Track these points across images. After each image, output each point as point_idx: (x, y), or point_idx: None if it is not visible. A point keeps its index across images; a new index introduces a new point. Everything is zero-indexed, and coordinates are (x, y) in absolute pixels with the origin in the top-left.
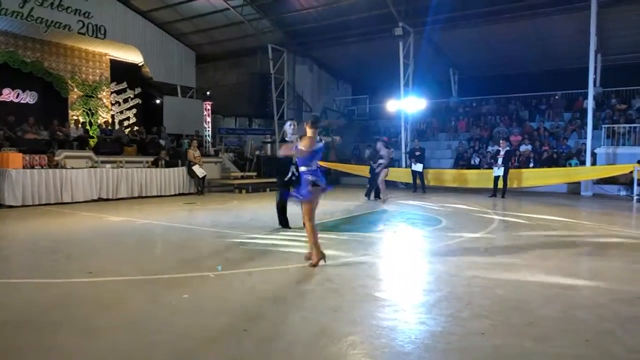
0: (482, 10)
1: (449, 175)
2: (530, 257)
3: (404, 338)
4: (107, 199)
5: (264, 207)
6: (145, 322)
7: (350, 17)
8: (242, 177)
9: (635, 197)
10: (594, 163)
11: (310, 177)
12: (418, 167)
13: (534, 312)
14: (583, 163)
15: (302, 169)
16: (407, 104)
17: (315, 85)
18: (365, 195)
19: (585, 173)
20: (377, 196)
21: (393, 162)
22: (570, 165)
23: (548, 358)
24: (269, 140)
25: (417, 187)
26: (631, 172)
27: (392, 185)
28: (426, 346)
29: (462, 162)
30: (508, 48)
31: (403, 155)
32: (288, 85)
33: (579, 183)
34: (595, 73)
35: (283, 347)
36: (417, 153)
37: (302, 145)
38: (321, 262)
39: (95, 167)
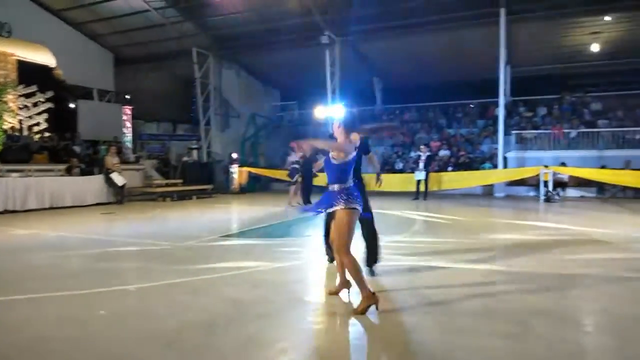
0: (402, 22)
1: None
2: (455, 255)
3: (333, 340)
4: (13, 211)
5: (190, 215)
6: (54, 344)
7: (278, 24)
8: (167, 185)
9: (542, 197)
10: (505, 166)
11: (342, 200)
12: None
13: (456, 306)
14: (495, 166)
15: (334, 187)
16: (335, 111)
17: (243, 91)
18: (305, 202)
19: (497, 176)
20: (308, 201)
21: (322, 168)
22: (484, 168)
23: (503, 351)
24: (195, 146)
25: None
26: (538, 174)
27: (320, 190)
28: (356, 347)
29: (387, 167)
30: (428, 59)
31: None
32: (215, 90)
33: (492, 185)
34: (505, 83)
35: (210, 359)
36: None
37: (333, 154)
38: (372, 308)
39: (0, 176)
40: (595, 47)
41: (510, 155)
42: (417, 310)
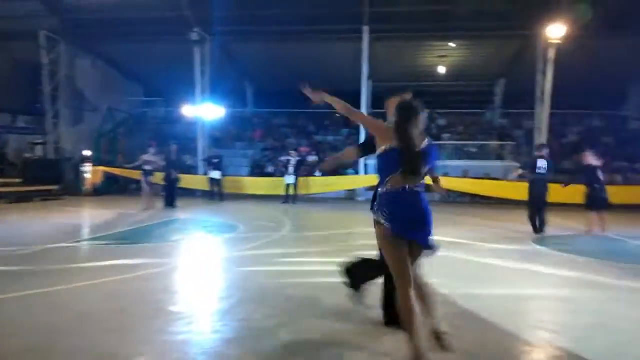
0: (273, 28)
1: (246, 183)
2: (319, 257)
3: (197, 350)
4: None
5: (31, 220)
6: None
7: (142, 14)
8: (4, 185)
9: None
10: (366, 172)
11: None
12: (216, 174)
13: (322, 307)
14: (357, 172)
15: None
16: (205, 111)
17: (101, 83)
18: (167, 205)
19: (359, 181)
20: (171, 204)
21: (190, 169)
22: (348, 174)
23: (339, 348)
24: (40, 141)
25: (215, 194)
26: None
27: (190, 193)
28: (219, 355)
29: (257, 170)
30: (298, 66)
31: (200, 163)
32: (66, 79)
33: (354, 190)
34: (367, 96)
35: None
36: (215, 160)
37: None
38: None
39: None
40: (442, 69)
41: (370, 162)
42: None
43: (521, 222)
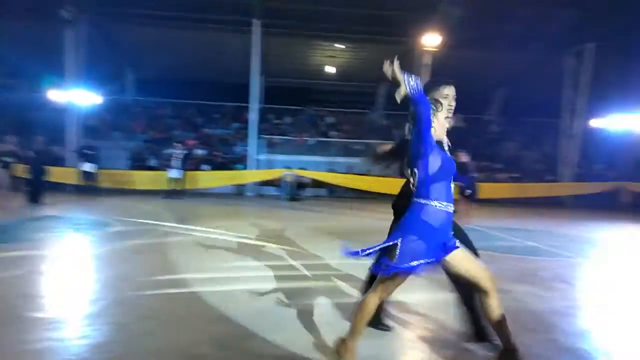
0: (159, 12)
1: (125, 177)
2: (197, 255)
3: (59, 359)
4: None
5: None
6: None
7: None
8: None
9: (284, 196)
10: (256, 168)
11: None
12: (90, 167)
13: (199, 305)
14: (246, 168)
15: (419, 200)
16: (78, 97)
17: None
18: (31, 201)
19: (248, 176)
20: (36, 200)
21: (58, 161)
22: (237, 169)
23: (213, 348)
24: None
25: (88, 189)
26: (282, 176)
27: (60, 188)
28: None
29: (138, 163)
30: (187, 55)
31: (70, 154)
32: None
33: (244, 185)
34: (257, 90)
35: None
36: (89, 152)
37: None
38: None
39: None
40: (331, 69)
41: (261, 157)
42: None
43: None
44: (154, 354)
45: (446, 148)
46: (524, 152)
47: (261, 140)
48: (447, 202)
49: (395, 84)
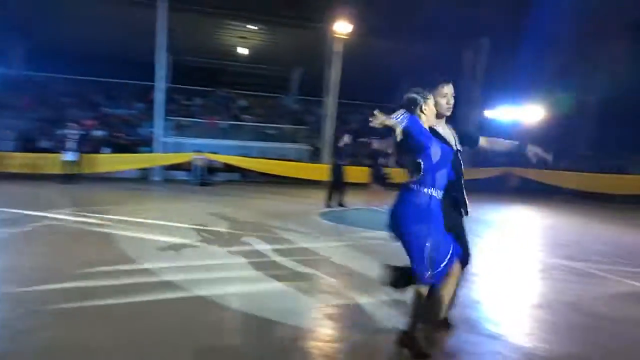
0: None
1: (13, 160)
2: (93, 246)
3: None
4: None
5: None
6: None
7: None
8: None
9: (194, 181)
10: (163, 151)
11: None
12: None
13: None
14: (152, 150)
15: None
16: None
17: None
18: None
19: (155, 160)
20: None
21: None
22: (142, 152)
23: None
24: None
25: None
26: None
27: None
28: None
29: (27, 144)
30: (86, 27)
31: None
32: None
33: (150, 169)
34: (164, 69)
35: None
36: None
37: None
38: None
39: None
40: (243, 50)
41: (168, 140)
42: None
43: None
44: (41, 354)
45: (441, 131)
46: None
47: (168, 122)
48: (442, 190)
49: (390, 128)
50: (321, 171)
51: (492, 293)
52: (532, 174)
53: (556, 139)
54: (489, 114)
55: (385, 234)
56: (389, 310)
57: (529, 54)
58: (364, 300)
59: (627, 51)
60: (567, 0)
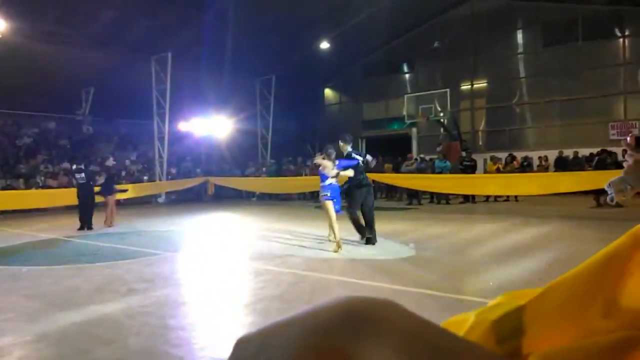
0: None
1: None
2: None
3: None
4: None
5: None
6: None
7: None
8: None
9: None
10: None
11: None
12: None
13: None
14: None
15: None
16: None
17: None
18: None
19: None
20: None
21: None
22: None
23: None
24: None
25: None
26: None
27: None
28: None
29: None
30: None
31: None
32: None
33: None
34: None
35: None
36: None
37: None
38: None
39: None
40: None
41: None
42: None
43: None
44: None
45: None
46: (120, 154)
47: None
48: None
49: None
50: None
51: (181, 315)
52: (225, 181)
53: (244, 150)
54: (183, 126)
55: None
56: None
57: (211, 68)
58: None
59: None
60: (242, 15)
